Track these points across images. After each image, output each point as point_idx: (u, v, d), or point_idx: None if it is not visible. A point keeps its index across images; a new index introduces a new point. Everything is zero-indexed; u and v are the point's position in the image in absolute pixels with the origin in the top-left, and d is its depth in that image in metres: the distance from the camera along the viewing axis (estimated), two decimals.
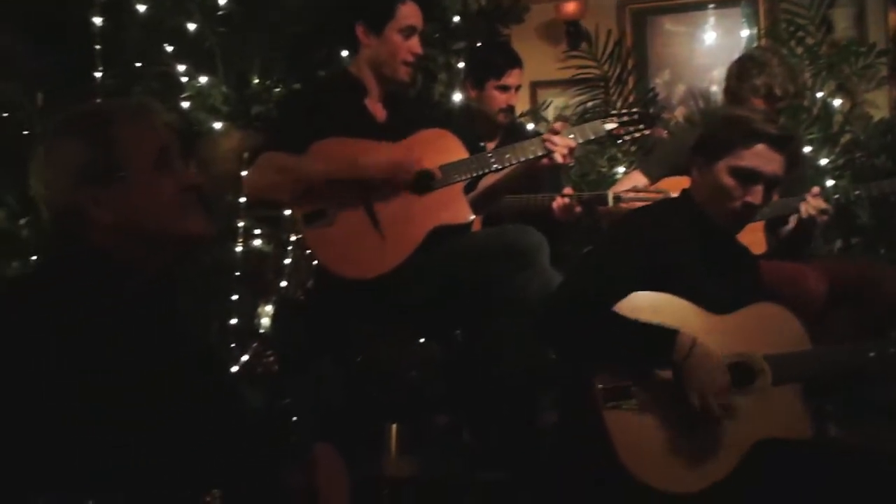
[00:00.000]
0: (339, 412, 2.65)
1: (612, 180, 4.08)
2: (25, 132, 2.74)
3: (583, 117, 4.58)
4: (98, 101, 2.85)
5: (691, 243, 2.23)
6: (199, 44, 3.46)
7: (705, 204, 2.25)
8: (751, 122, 2.20)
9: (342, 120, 2.76)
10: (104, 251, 1.49)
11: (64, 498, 1.17)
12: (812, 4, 4.47)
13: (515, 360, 2.57)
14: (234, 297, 2.89)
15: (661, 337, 2.03)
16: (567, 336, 2.11)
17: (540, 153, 2.74)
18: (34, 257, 2.72)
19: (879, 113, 4.59)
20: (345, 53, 3.57)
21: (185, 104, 3.37)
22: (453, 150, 2.79)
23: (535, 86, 5.82)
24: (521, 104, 4.68)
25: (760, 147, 2.18)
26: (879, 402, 2.95)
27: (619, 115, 2.88)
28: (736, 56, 3.63)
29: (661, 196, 3.08)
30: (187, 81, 3.41)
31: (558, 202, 3.24)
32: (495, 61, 3.55)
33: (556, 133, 2.74)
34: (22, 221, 2.70)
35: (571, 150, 2.75)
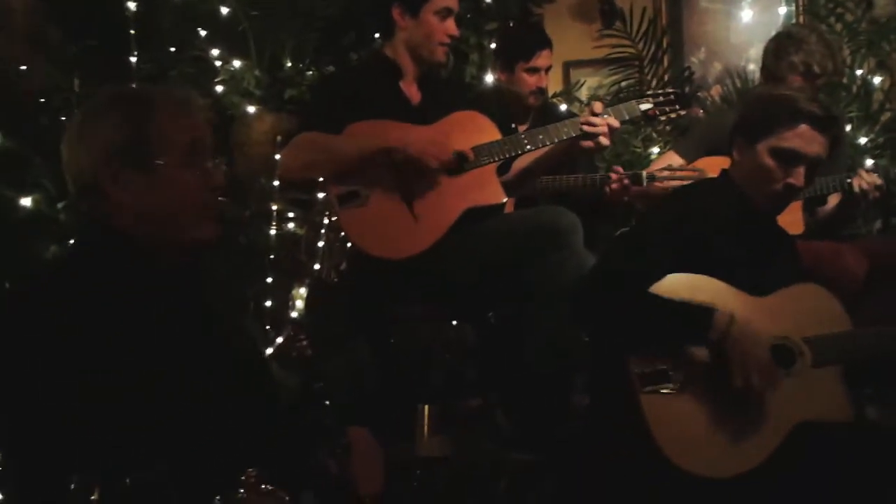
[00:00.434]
0: (373, 394, 2.66)
1: (647, 161, 4.04)
2: (62, 118, 2.76)
3: (617, 97, 4.54)
4: (142, 85, 2.87)
5: (730, 225, 2.20)
6: (233, 28, 3.47)
7: (745, 185, 2.22)
8: (794, 102, 2.16)
9: (378, 102, 2.77)
10: (128, 234, 1.50)
11: (99, 476, 1.18)
12: None
13: (548, 342, 2.57)
14: (269, 280, 2.90)
15: (698, 315, 2.01)
16: (603, 315, 2.09)
17: (574, 134, 2.71)
18: (71, 241, 2.74)
19: None
20: (376, 36, 3.56)
21: (219, 88, 3.39)
22: (486, 131, 2.78)
23: (569, 66, 5.74)
24: (554, 84, 4.65)
25: (803, 128, 2.14)
26: None
27: (655, 96, 2.85)
28: (773, 33, 3.57)
29: (695, 175, 3.05)
30: (221, 65, 3.43)
31: (614, 182, 3.19)
32: (523, 43, 3.51)
33: (596, 114, 2.68)
34: (59, 206, 2.73)
35: (613, 131, 2.71)
